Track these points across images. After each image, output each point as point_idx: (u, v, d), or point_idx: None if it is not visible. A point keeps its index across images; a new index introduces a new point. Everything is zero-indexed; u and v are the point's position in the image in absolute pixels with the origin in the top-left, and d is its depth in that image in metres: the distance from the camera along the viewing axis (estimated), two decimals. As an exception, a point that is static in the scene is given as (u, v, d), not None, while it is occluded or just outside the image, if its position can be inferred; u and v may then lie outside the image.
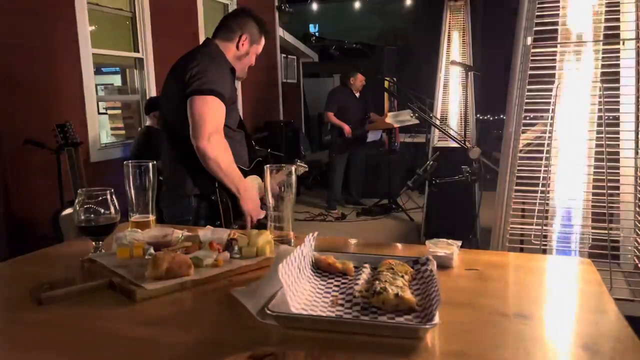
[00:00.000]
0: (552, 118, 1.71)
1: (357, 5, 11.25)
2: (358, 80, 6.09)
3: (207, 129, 1.93)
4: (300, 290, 0.97)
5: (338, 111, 6.06)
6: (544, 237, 1.72)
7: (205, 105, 1.94)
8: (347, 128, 5.95)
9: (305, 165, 2.63)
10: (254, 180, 2.17)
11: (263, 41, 2.20)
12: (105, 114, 5.86)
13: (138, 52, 4.80)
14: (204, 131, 1.92)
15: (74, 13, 3.96)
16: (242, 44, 2.13)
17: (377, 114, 6.38)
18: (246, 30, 2.13)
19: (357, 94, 6.19)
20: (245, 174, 2.12)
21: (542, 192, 1.74)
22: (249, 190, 2.07)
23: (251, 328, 0.86)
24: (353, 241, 1.45)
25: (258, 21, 2.18)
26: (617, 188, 1.71)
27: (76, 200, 1.18)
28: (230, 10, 6.31)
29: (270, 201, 1.27)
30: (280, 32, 7.69)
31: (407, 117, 5.67)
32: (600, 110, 1.66)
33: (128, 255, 1.16)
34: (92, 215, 1.19)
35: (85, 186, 3.07)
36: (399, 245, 1.40)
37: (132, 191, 1.36)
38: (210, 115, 1.94)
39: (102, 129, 4.73)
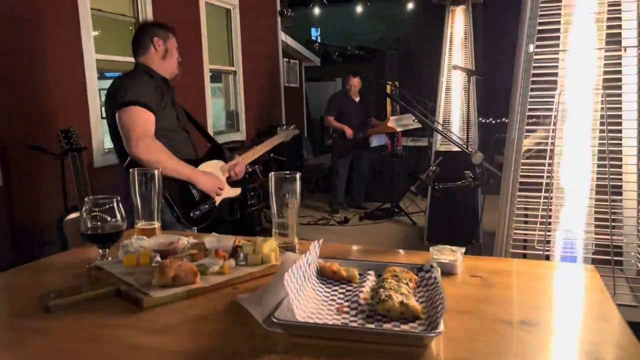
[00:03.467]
0: (554, 124, 1.72)
1: (359, 9, 11.28)
2: (352, 83, 6.09)
3: (133, 137, 2.11)
4: (306, 298, 0.98)
5: (338, 116, 6.07)
6: (547, 243, 1.73)
7: (128, 116, 2.14)
8: (348, 130, 5.96)
9: (296, 130, 2.74)
10: (213, 165, 2.41)
11: (172, 36, 2.42)
12: (109, 118, 5.87)
13: (141, 57, 4.81)
14: (131, 139, 2.11)
15: (78, 19, 3.98)
16: (158, 45, 2.36)
17: (377, 120, 6.37)
18: (153, 34, 2.37)
19: (357, 99, 6.20)
20: (196, 163, 2.33)
21: (544, 197, 1.75)
22: (201, 173, 2.29)
23: (257, 336, 0.87)
24: (357, 247, 1.46)
25: (157, 24, 2.44)
26: (620, 194, 1.72)
27: (83, 209, 1.19)
28: (232, 15, 6.34)
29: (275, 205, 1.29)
30: (282, 36, 7.70)
31: (410, 121, 5.68)
32: (602, 116, 1.67)
33: (134, 262, 1.17)
34: (99, 223, 1.20)
35: (90, 192, 3.08)
36: (403, 251, 1.41)
37: (138, 198, 1.37)
38: (134, 123, 2.13)
39: (105, 134, 4.73)
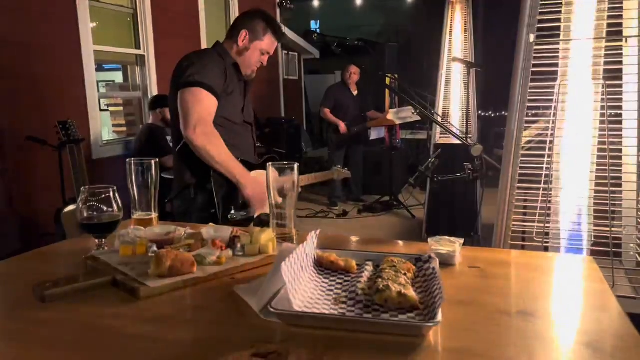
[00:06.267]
0: (554, 115, 1.71)
1: (358, 1, 11.24)
2: (350, 72, 6.08)
3: (192, 119, 1.98)
4: (303, 288, 0.97)
5: (334, 107, 6.08)
6: (545, 235, 1.72)
7: (191, 97, 2.01)
8: (342, 125, 5.96)
9: (348, 172, 2.71)
10: (263, 174, 2.18)
11: (269, 40, 2.23)
12: (107, 110, 5.87)
13: (139, 49, 4.79)
14: (189, 121, 1.99)
15: (76, 10, 3.96)
16: (242, 40, 2.19)
17: (377, 112, 6.36)
18: (248, 26, 2.19)
19: (355, 92, 6.19)
20: (252, 167, 2.15)
21: (544, 189, 1.74)
22: (251, 179, 2.09)
23: (254, 326, 0.86)
24: (355, 238, 1.45)
25: (267, 20, 2.22)
26: (620, 185, 1.71)
27: (79, 198, 1.19)
28: (230, 7, 6.31)
29: (274, 199, 1.28)
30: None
31: (409, 114, 5.67)
32: (602, 107, 1.66)
33: (131, 252, 1.16)
34: (95, 213, 1.19)
35: (87, 183, 3.07)
36: (401, 242, 1.40)
37: (135, 189, 1.37)
38: (196, 106, 2.00)
39: (103, 126, 4.73)
